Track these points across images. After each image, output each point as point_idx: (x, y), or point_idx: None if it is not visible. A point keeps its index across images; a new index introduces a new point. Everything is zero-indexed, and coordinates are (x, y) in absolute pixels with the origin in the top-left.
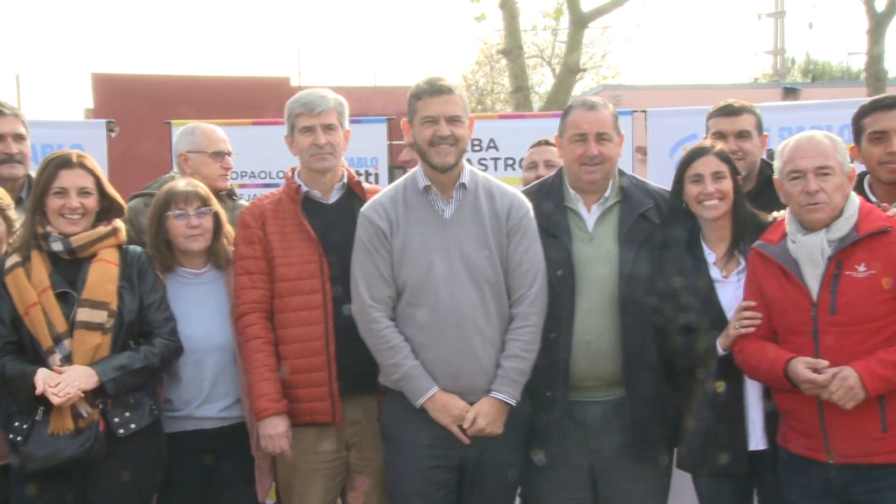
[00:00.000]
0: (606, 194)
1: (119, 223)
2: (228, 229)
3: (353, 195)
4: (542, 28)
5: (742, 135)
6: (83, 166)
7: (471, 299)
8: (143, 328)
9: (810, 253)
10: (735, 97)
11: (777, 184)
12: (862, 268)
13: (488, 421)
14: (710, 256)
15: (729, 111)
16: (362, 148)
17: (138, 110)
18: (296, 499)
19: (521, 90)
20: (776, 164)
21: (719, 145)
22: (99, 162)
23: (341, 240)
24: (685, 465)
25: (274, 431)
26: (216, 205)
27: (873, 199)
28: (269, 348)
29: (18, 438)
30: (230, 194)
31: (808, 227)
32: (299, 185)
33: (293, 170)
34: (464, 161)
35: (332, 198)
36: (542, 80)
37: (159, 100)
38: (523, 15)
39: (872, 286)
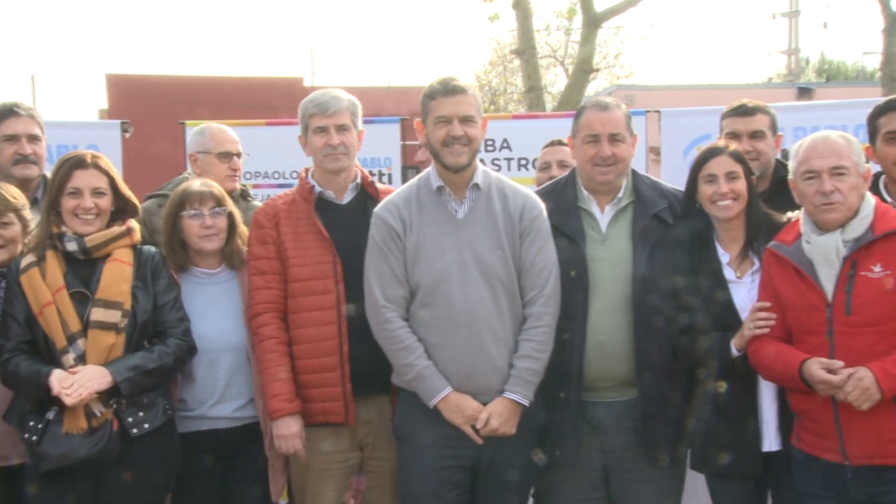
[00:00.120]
0: (620, 195)
1: (133, 223)
2: (243, 229)
3: (367, 195)
4: (555, 28)
5: (756, 135)
6: (97, 167)
7: (484, 299)
8: (157, 328)
9: (825, 253)
10: (749, 97)
11: (792, 184)
12: (878, 268)
13: (501, 421)
14: (724, 257)
15: (743, 111)
16: (375, 148)
17: (152, 111)
18: (309, 498)
19: (534, 90)
20: (791, 164)
21: (733, 145)
22: (113, 162)
23: (355, 240)
24: (699, 465)
25: (287, 431)
26: (231, 205)
27: (889, 199)
28: (282, 348)
29: (33, 438)
30: (244, 195)
31: (822, 228)
32: (313, 186)
33: (307, 170)
34: (477, 161)
35: (346, 198)
36: (554, 81)
37: (173, 100)
38: (536, 15)
39: (888, 287)
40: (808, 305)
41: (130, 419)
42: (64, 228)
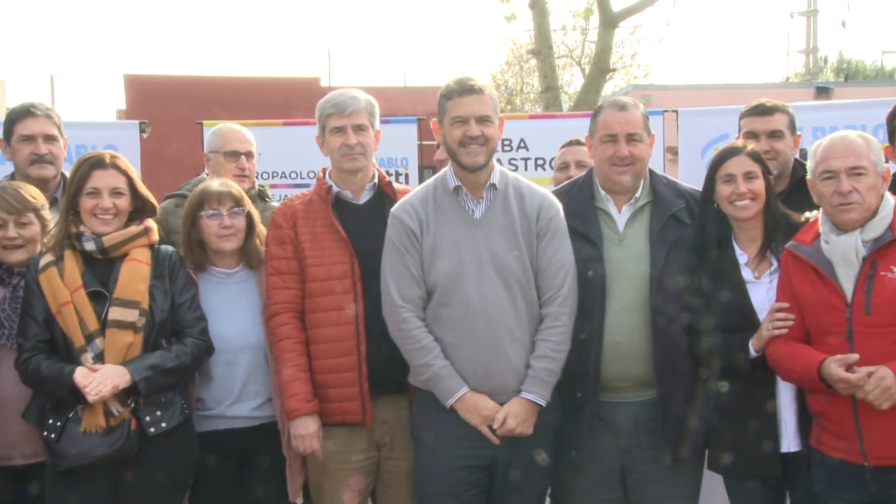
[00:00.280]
0: (637, 195)
1: (151, 223)
2: (261, 229)
3: (384, 195)
4: (571, 28)
5: (774, 134)
6: (116, 167)
7: (501, 299)
8: (175, 327)
9: (844, 253)
10: (767, 97)
11: (810, 184)
12: None
13: (518, 421)
14: (742, 257)
15: (761, 111)
16: (392, 148)
17: (170, 111)
18: (326, 498)
19: (550, 90)
20: (809, 164)
21: (751, 145)
22: (131, 162)
23: (372, 240)
24: (715, 466)
25: (305, 431)
26: (249, 205)
27: None
28: (300, 348)
29: (52, 436)
30: (262, 195)
31: (841, 228)
32: (330, 186)
33: (324, 170)
34: (494, 161)
35: (363, 198)
36: (571, 80)
37: (190, 100)
38: (553, 15)
39: None
40: (827, 306)
41: (148, 418)
42: (82, 228)
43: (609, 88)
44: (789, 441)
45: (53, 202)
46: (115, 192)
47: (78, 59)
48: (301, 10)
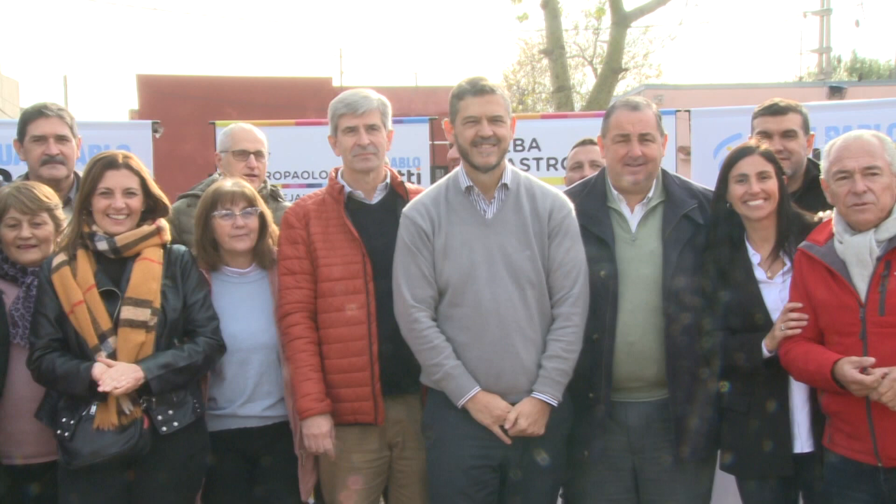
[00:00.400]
0: (650, 195)
1: (163, 222)
2: (274, 229)
3: (396, 195)
4: (583, 28)
5: (788, 134)
6: (129, 167)
7: (512, 299)
8: (187, 327)
9: (858, 253)
10: (779, 96)
11: (824, 184)
12: None
13: (530, 421)
14: (755, 257)
15: (774, 110)
16: (404, 148)
17: (182, 111)
18: (338, 498)
19: (562, 90)
20: (823, 164)
21: (764, 145)
22: (144, 162)
23: (384, 240)
24: (728, 466)
25: (317, 431)
26: (262, 205)
27: None
28: (312, 348)
29: (66, 434)
30: (274, 195)
31: (855, 228)
32: (343, 186)
33: (337, 170)
34: (506, 161)
35: (376, 198)
36: (583, 80)
37: (203, 101)
38: (565, 15)
39: None
40: (840, 306)
41: (160, 417)
42: (94, 228)
43: (621, 88)
44: (802, 441)
45: (67, 202)
46: (128, 193)
47: (91, 59)
48: (313, 11)
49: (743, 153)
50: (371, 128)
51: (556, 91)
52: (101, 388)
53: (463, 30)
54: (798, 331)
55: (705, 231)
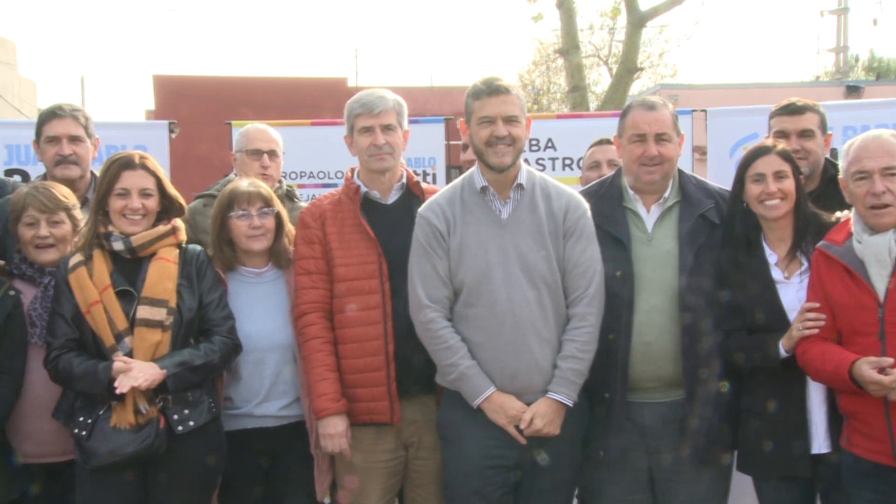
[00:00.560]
0: (666, 194)
1: (179, 222)
2: (290, 229)
3: (412, 195)
4: (599, 27)
5: (805, 134)
6: (145, 167)
7: (528, 300)
8: (203, 326)
9: (877, 253)
10: (796, 96)
11: (842, 184)
12: None
13: (545, 421)
14: (772, 257)
15: (792, 110)
16: (420, 148)
17: (198, 111)
18: (354, 498)
19: (577, 90)
20: (841, 163)
21: (781, 144)
22: (161, 162)
23: (400, 240)
24: (745, 467)
25: (333, 431)
26: (278, 205)
27: None
28: (328, 348)
29: (83, 433)
30: (290, 195)
31: (874, 228)
32: (358, 186)
33: (353, 170)
34: (521, 161)
35: (391, 198)
36: (598, 80)
37: (218, 101)
38: (580, 14)
39: None
40: (858, 306)
41: (176, 416)
42: (111, 228)
43: (636, 88)
44: (819, 442)
45: (84, 202)
46: (144, 193)
47: (108, 60)
48: (328, 11)
49: (760, 153)
50: (387, 128)
51: (571, 91)
52: (118, 391)
53: (478, 30)
54: (815, 331)
55: (722, 231)
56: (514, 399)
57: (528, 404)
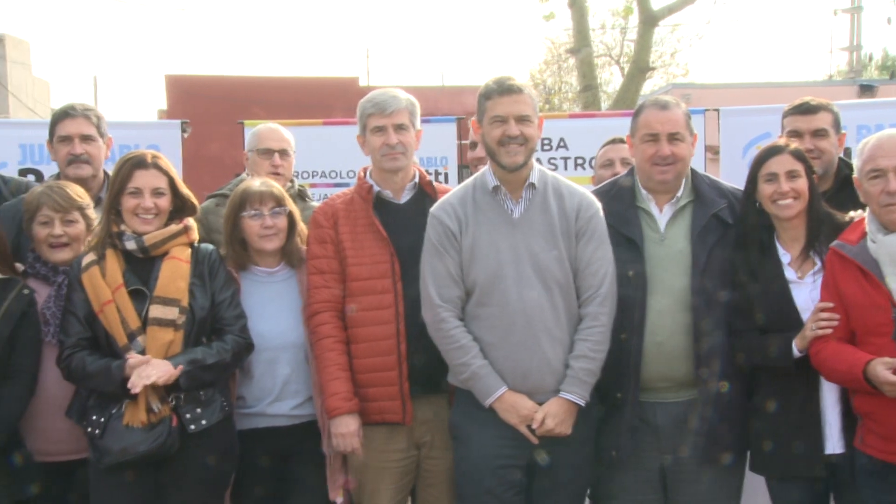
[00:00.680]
0: (679, 194)
1: (191, 221)
2: (302, 228)
3: (425, 195)
4: (610, 27)
5: (819, 133)
6: (157, 167)
7: (539, 299)
8: (215, 325)
9: (892, 253)
10: (809, 95)
11: (857, 183)
12: None
13: (557, 421)
14: (785, 257)
15: (805, 109)
16: (432, 148)
17: (210, 111)
18: (366, 497)
19: (589, 89)
20: (856, 162)
21: (794, 144)
22: (173, 161)
23: (412, 240)
24: (758, 467)
25: (345, 430)
26: (290, 204)
27: None
28: (340, 347)
29: (96, 432)
30: (302, 195)
31: (889, 227)
32: (371, 185)
33: (365, 170)
34: (533, 160)
35: (404, 197)
36: (610, 79)
37: (230, 100)
38: (592, 13)
39: None
40: (873, 306)
41: (188, 415)
42: (123, 227)
43: (648, 87)
44: (833, 442)
45: (97, 201)
46: (157, 192)
47: (120, 60)
48: (340, 11)
49: (772, 152)
50: (399, 127)
51: (583, 90)
52: (132, 391)
53: (490, 29)
54: (829, 331)
55: (735, 231)
56: (526, 399)
57: (540, 404)
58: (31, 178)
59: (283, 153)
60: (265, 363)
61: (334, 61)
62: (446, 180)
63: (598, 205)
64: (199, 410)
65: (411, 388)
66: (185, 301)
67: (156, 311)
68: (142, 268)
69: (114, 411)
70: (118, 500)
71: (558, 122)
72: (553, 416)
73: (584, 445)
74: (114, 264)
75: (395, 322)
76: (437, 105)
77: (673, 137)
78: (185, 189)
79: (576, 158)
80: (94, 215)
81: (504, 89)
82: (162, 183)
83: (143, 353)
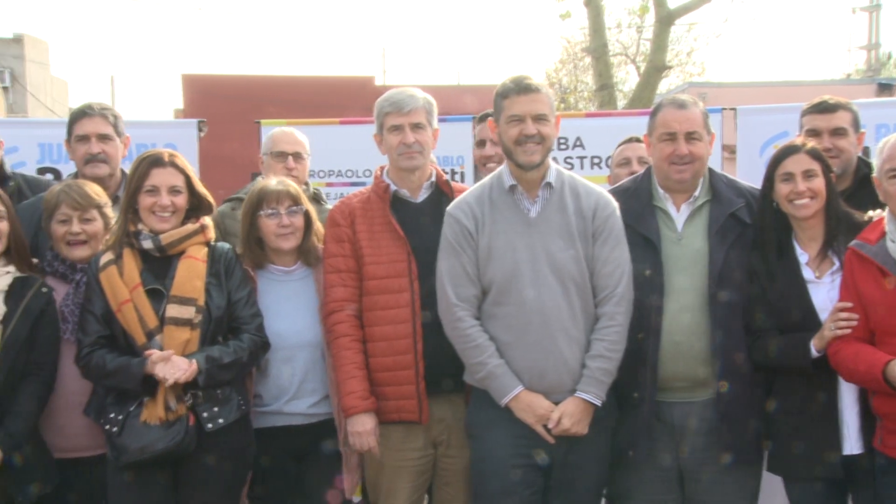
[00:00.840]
0: (696, 193)
1: (207, 220)
2: (318, 227)
3: (442, 194)
4: (626, 26)
5: (837, 132)
6: (174, 165)
7: (556, 299)
8: (231, 324)
9: None
10: (826, 93)
11: (876, 182)
12: None
13: (573, 421)
14: (803, 257)
15: (823, 108)
16: (448, 147)
17: (226, 110)
18: (382, 495)
19: (605, 88)
20: (875, 161)
21: (811, 143)
22: (190, 161)
23: (429, 238)
24: (775, 467)
25: (362, 428)
26: (307, 203)
27: None
28: (357, 346)
29: (114, 430)
30: (316, 198)
31: None
32: (388, 184)
33: (382, 168)
34: (549, 160)
35: (421, 196)
36: (626, 79)
37: (247, 100)
38: (608, 12)
39: None
40: (892, 306)
41: (206, 414)
42: (140, 226)
43: (664, 86)
44: (852, 443)
45: (115, 200)
46: (173, 191)
47: (137, 59)
48: (356, 10)
49: (789, 151)
50: (416, 126)
51: (599, 89)
52: (167, 383)
53: (505, 28)
54: (848, 331)
55: (752, 230)
56: (543, 398)
57: (557, 403)
58: (49, 176)
59: (297, 156)
60: (282, 362)
61: (350, 60)
62: (462, 179)
63: (615, 204)
64: (216, 409)
65: (428, 386)
66: (202, 300)
67: (172, 310)
68: (158, 267)
69: (132, 409)
70: (135, 497)
71: (574, 122)
72: (569, 415)
73: (600, 445)
74: (131, 263)
75: (411, 321)
76: (454, 104)
77: (690, 136)
78: (201, 188)
79: (592, 157)
80: (112, 213)
81: (521, 88)
82: (179, 181)
83: (162, 350)
